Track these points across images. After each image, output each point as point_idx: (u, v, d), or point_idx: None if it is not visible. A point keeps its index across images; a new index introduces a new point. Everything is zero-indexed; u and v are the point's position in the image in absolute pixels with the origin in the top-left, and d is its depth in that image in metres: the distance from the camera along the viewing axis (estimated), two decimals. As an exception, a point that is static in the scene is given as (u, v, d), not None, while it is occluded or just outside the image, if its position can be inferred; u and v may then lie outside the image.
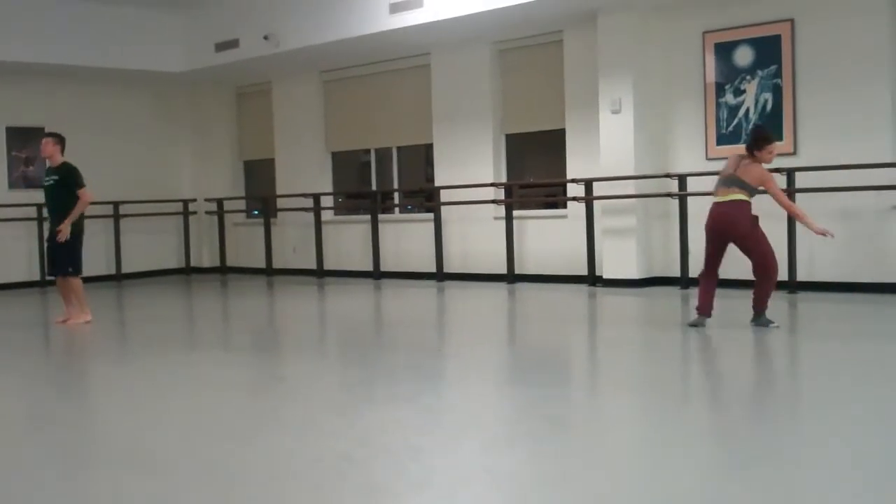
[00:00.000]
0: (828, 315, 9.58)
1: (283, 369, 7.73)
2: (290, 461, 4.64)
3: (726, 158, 11.19)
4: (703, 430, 5.12)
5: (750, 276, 8.53)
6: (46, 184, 10.31)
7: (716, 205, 8.43)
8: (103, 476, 4.55)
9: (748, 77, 11.26)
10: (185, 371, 7.57)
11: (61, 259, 10.23)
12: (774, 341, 7.99)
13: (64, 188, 10.13)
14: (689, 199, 11.48)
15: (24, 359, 8.57)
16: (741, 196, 8.32)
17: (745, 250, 8.43)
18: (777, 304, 9.95)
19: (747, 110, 11.27)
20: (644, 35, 11.90)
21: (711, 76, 11.56)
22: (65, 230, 10.05)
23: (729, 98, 11.42)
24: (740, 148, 11.21)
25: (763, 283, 8.41)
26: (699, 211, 11.45)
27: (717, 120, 11.50)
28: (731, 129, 11.38)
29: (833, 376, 6.41)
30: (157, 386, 6.94)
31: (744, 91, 11.31)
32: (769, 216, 10.86)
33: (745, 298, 8.57)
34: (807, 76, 10.87)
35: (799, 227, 10.66)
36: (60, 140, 10.37)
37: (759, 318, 8.41)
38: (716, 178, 11.18)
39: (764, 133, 8.52)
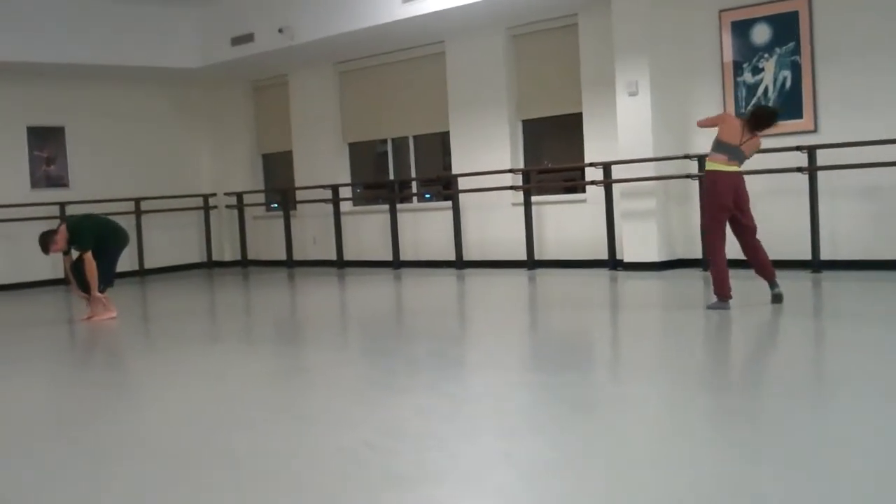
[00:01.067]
0: (852, 294, 9.49)
1: (304, 359, 7.73)
2: (312, 450, 4.64)
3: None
4: (727, 415, 5.08)
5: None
6: (76, 252, 10.34)
7: (731, 175, 8.31)
8: (126, 467, 4.56)
9: (766, 55, 11.18)
10: (207, 363, 7.59)
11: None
12: (799, 322, 7.94)
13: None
14: (709, 179, 11.42)
15: (50, 354, 8.61)
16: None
17: (745, 221, 8.40)
18: (800, 283, 9.91)
19: (766, 89, 11.19)
20: (659, 15, 11.82)
21: (729, 55, 11.48)
22: (95, 294, 10.20)
23: (747, 77, 11.34)
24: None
25: (761, 248, 8.48)
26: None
27: (736, 99, 11.42)
28: (749, 107, 11.29)
29: (859, 357, 6.35)
30: (180, 378, 6.96)
31: (762, 69, 11.22)
32: (795, 193, 10.83)
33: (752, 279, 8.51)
34: (826, 52, 10.77)
35: (821, 204, 10.60)
36: (51, 234, 10.26)
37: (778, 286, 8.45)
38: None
39: (776, 119, 8.39)
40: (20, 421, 5.87)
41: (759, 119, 8.33)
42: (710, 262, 8.51)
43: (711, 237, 8.45)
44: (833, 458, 4.09)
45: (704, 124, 8.74)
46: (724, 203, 8.29)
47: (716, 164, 8.34)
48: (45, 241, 10.23)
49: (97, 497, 4.18)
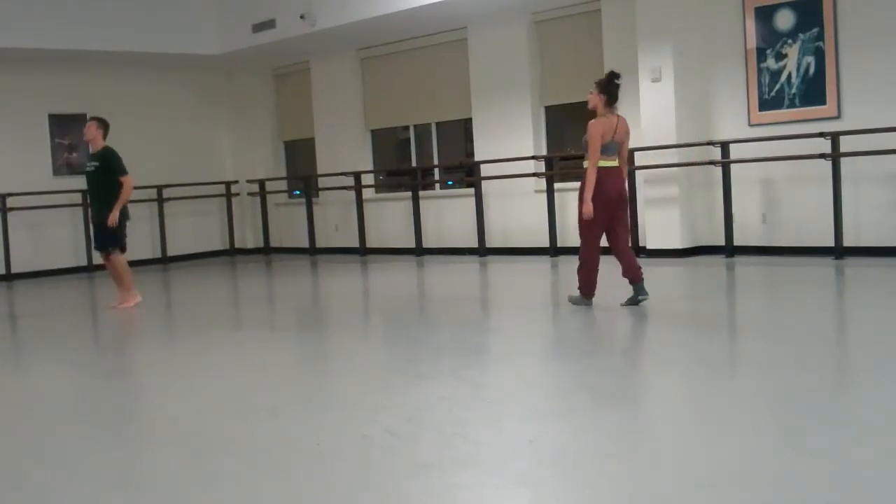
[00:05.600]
0: (876, 280, 9.43)
1: (327, 347, 7.75)
2: (336, 438, 4.65)
3: (770, 124, 11.19)
4: (751, 402, 5.07)
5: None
6: (88, 170, 10.42)
7: (615, 170, 8.21)
8: (151, 455, 4.59)
9: (790, 41, 11.10)
10: (231, 350, 7.62)
11: (105, 238, 10.35)
12: (819, 308, 7.91)
13: (105, 174, 10.21)
14: (733, 166, 11.37)
15: (73, 342, 8.66)
16: None
17: (624, 218, 8.35)
18: (823, 270, 9.86)
19: (789, 75, 11.12)
20: (682, 1, 11.75)
21: (752, 41, 11.41)
22: (114, 217, 10.16)
23: (770, 63, 11.27)
24: (781, 113, 11.14)
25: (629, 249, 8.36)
26: (743, 178, 11.40)
27: (759, 85, 11.35)
28: (773, 94, 11.24)
29: (886, 344, 6.31)
30: (203, 365, 7.00)
31: (785, 55, 11.15)
32: (818, 179, 10.77)
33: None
34: (849, 38, 10.69)
35: (844, 191, 10.53)
36: (104, 125, 10.44)
37: (642, 288, 8.22)
38: (757, 144, 11.17)
39: (616, 78, 8.18)
40: (45, 410, 5.91)
41: (610, 89, 8.15)
42: (587, 259, 8.29)
43: (592, 235, 8.22)
44: (858, 439, 4.08)
45: (595, 148, 8.13)
46: (610, 199, 8.14)
47: (601, 162, 8.14)
48: (95, 118, 10.48)
49: (122, 484, 4.20)
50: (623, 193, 8.28)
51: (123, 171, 10.21)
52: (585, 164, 8.18)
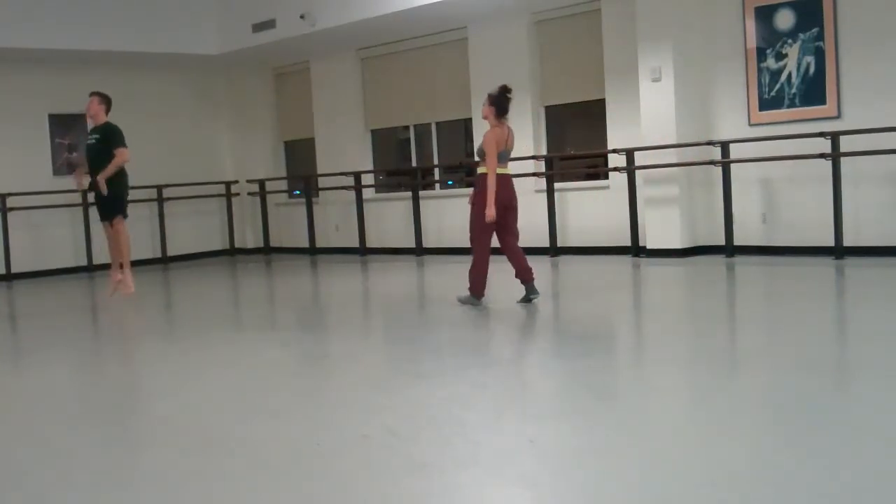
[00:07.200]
0: (876, 280, 9.43)
1: (327, 347, 7.75)
2: (335, 437, 4.65)
3: (770, 124, 11.20)
4: (750, 402, 5.07)
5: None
6: (89, 142, 10.59)
7: (508, 177, 8.71)
8: (151, 455, 4.59)
9: (790, 41, 11.10)
10: (231, 350, 7.61)
11: (110, 206, 10.65)
12: (819, 308, 7.90)
13: (105, 147, 10.40)
14: (733, 166, 11.37)
15: (74, 341, 8.66)
16: None
17: (514, 222, 8.79)
18: (823, 269, 9.86)
19: (789, 75, 11.12)
20: (683, 1, 11.75)
21: (752, 41, 11.41)
22: (102, 184, 10.36)
23: (770, 63, 11.27)
24: (781, 113, 11.17)
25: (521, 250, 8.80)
26: (743, 178, 11.40)
27: (759, 85, 11.35)
28: (773, 94, 11.24)
29: (886, 344, 6.31)
30: (203, 365, 6.99)
31: (785, 55, 11.15)
32: (818, 179, 10.77)
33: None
34: (849, 38, 10.69)
35: (844, 191, 10.53)
36: (106, 100, 10.65)
37: (533, 288, 8.73)
38: (757, 143, 11.18)
39: (507, 92, 8.74)
40: (45, 410, 5.90)
41: (500, 102, 8.64)
42: (479, 260, 8.83)
43: (486, 238, 8.72)
44: (858, 439, 4.08)
45: (492, 156, 8.58)
46: (505, 203, 8.60)
47: (504, 170, 8.64)
48: (97, 94, 10.84)
49: (122, 484, 4.20)
50: (515, 199, 8.77)
51: (121, 144, 10.41)
52: (481, 170, 8.67)
